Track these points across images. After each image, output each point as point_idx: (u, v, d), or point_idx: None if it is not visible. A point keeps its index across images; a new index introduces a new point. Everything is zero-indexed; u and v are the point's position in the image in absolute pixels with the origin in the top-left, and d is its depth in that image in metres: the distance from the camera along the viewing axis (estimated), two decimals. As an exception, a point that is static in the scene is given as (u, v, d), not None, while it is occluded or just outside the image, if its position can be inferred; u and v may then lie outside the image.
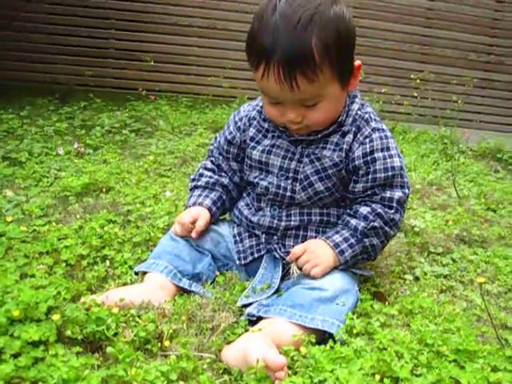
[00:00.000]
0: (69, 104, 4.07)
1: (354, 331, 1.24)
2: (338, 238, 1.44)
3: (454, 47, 6.59)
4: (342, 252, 1.42)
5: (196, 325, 1.25)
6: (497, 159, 4.15)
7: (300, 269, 1.41)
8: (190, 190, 1.67)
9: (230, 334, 1.24)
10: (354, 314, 1.32)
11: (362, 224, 1.43)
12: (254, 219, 1.55)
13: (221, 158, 1.66)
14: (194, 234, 1.52)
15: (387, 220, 1.44)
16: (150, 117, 3.88)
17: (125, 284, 1.45)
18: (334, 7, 1.31)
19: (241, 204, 1.63)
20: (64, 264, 1.47)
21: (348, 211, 1.50)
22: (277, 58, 1.26)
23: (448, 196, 2.81)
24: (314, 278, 1.37)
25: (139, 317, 1.23)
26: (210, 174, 1.66)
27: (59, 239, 1.64)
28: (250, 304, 1.34)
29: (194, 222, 1.52)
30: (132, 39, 5.60)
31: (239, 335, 1.22)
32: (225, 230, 1.63)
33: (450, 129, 4.50)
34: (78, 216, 1.87)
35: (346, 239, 1.44)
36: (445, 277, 1.79)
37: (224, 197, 1.64)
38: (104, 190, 2.20)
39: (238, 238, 1.60)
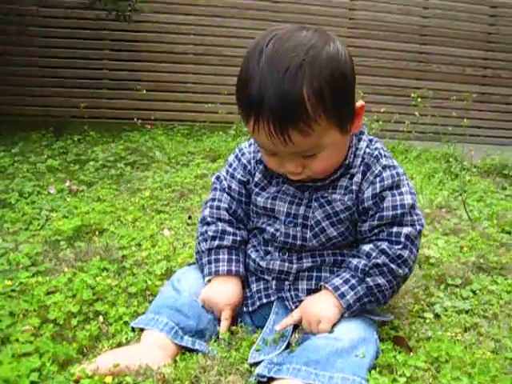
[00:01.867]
0: (63, 138, 3.99)
1: (378, 390, 1.10)
2: (337, 281, 1.30)
3: (449, 63, 6.55)
4: (342, 295, 1.28)
5: (201, 392, 1.12)
6: (503, 175, 4.04)
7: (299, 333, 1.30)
8: (210, 249, 1.44)
9: (239, 400, 1.10)
10: (375, 367, 1.18)
11: (363, 262, 1.30)
12: (263, 263, 1.41)
13: (235, 203, 1.47)
14: (224, 330, 1.34)
15: (393, 257, 1.29)
16: (145, 148, 3.79)
17: (120, 343, 1.31)
18: (326, 48, 1.17)
19: (247, 246, 1.49)
20: (52, 324, 1.33)
21: (352, 252, 1.38)
22: (266, 113, 1.13)
23: (459, 219, 2.70)
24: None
25: (136, 385, 1.09)
26: (232, 229, 1.45)
27: (47, 293, 1.49)
28: (260, 362, 1.21)
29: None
30: (126, 68, 5.56)
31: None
32: None
33: (453, 145, 4.40)
34: (68, 264, 1.74)
35: (346, 281, 1.30)
36: (467, 312, 1.66)
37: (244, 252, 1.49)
38: (97, 232, 2.07)
39: (244, 284, 1.46)
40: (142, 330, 1.32)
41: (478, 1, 6.55)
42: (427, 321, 1.57)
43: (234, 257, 1.43)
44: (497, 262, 2.04)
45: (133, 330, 1.35)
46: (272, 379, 1.13)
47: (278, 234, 1.37)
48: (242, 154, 1.48)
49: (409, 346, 1.37)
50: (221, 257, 1.42)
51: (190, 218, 2.34)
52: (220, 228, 1.45)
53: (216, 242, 1.43)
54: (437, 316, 1.61)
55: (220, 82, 5.75)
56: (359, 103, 1.28)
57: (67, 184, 2.69)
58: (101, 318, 1.41)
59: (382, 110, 5.20)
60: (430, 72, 6.47)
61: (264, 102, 1.12)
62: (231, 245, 1.44)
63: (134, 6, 4.90)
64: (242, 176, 1.46)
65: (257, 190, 1.42)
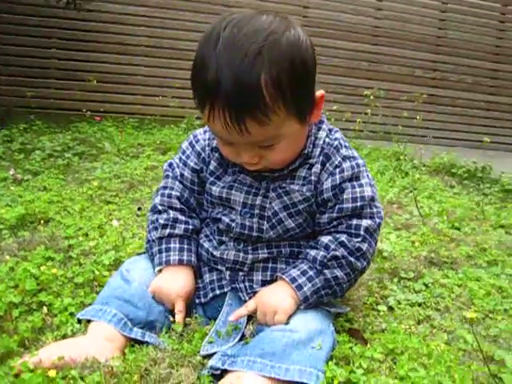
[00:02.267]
0: (7, 127, 3.79)
1: (335, 382, 1.07)
2: (295, 272, 1.27)
3: (400, 64, 6.66)
4: (299, 287, 1.24)
5: (151, 385, 1.06)
6: (451, 174, 4.13)
7: (253, 325, 1.25)
8: (161, 238, 1.38)
9: (191, 394, 1.05)
10: (332, 359, 1.16)
11: (322, 253, 1.27)
12: (217, 253, 1.36)
13: (187, 191, 1.42)
14: (180, 320, 1.30)
15: (352, 249, 1.26)
16: (94, 139, 3.67)
17: (65, 336, 1.23)
18: (287, 34, 1.11)
19: (199, 236, 1.44)
20: (-10, 315, 1.25)
21: (310, 243, 1.34)
22: (221, 101, 1.07)
23: (410, 214, 2.73)
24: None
25: (82, 379, 1.02)
26: (183, 218, 1.40)
27: (-14, 284, 1.40)
28: (213, 354, 1.16)
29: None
30: (75, 59, 5.38)
31: (202, 396, 1.04)
32: None
33: (404, 145, 4.46)
34: (11, 253, 1.64)
35: (303, 272, 1.26)
36: (419, 305, 1.67)
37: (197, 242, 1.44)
38: (42, 221, 1.96)
39: (197, 273, 1.40)
40: (88, 321, 1.24)
41: (429, 5, 6.69)
42: (381, 313, 1.56)
43: (185, 246, 1.37)
44: (447, 257, 2.07)
45: (79, 321, 1.28)
46: (226, 372, 1.09)
47: (233, 224, 1.32)
48: (197, 141, 1.42)
49: (364, 338, 1.35)
50: (172, 246, 1.37)
51: (139, 209, 2.27)
52: (171, 216, 1.39)
53: (167, 231, 1.38)
54: (390, 309, 1.61)
55: (171, 76, 5.65)
56: (319, 92, 1.23)
57: (11, 172, 2.55)
58: (45, 309, 1.32)
59: (334, 108, 5.24)
60: (382, 72, 6.57)
61: (220, 90, 1.06)
62: (183, 233, 1.38)
63: (84, -7, 4.76)
64: (195, 164, 1.40)
65: (212, 178, 1.36)
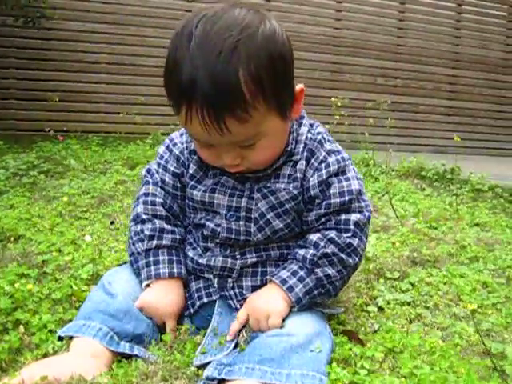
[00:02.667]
0: (-33, 148, 3.67)
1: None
2: (284, 274, 1.21)
3: (362, 73, 6.74)
4: (291, 288, 1.18)
5: (144, 401, 0.98)
6: (421, 177, 4.16)
7: (247, 333, 1.19)
8: (148, 250, 1.30)
9: (188, 407, 0.98)
10: (333, 361, 1.10)
11: (311, 252, 1.21)
12: (203, 261, 1.28)
13: (169, 198, 1.35)
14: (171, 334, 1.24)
15: (342, 246, 1.22)
16: (59, 157, 3.56)
17: (46, 355, 1.14)
18: (262, 28, 1.06)
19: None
20: (-37, 337, 1.15)
21: (298, 242, 1.29)
22: (199, 100, 1.02)
23: (386, 217, 2.72)
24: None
25: (69, 399, 0.95)
26: (170, 227, 1.33)
27: (-44, 304, 1.30)
28: (208, 364, 1.09)
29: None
30: (34, 78, 5.26)
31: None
32: None
33: (372, 151, 4.48)
34: (-20, 273, 1.54)
35: (294, 273, 1.20)
36: (409, 304, 1.64)
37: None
38: (12, 238, 1.86)
39: (186, 285, 1.33)
40: (71, 338, 1.16)
41: (387, 14, 6.82)
42: (371, 314, 1.53)
43: (174, 257, 1.30)
44: (429, 255, 2.06)
45: (60, 339, 1.19)
46: (223, 382, 1.03)
47: (219, 229, 1.26)
48: (174, 145, 1.35)
49: (360, 338, 1.31)
50: (160, 258, 1.29)
51: (112, 222, 2.19)
52: (157, 226, 1.31)
53: (154, 242, 1.30)
54: (380, 309, 1.57)
55: (134, 92, 5.59)
56: (299, 87, 1.19)
57: (-26, 191, 2.44)
58: (21, 328, 1.23)
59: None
60: (344, 82, 6.64)
61: (196, 89, 1.01)
62: (171, 244, 1.31)
63: (43, 12, 4.66)
64: (175, 168, 1.33)
65: (192, 182, 1.29)
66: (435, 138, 7.07)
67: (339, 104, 4.42)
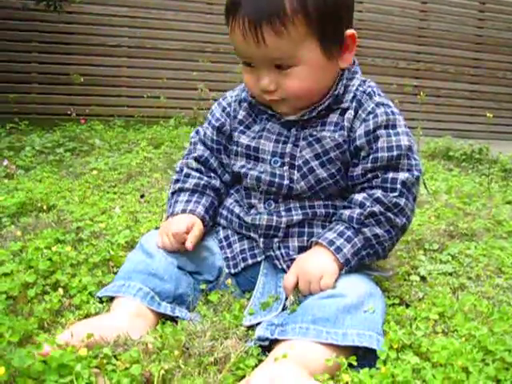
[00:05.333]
0: (-9, 129, 3.66)
1: (395, 345, 0.98)
2: (331, 235, 1.16)
3: (384, 56, 6.64)
4: (339, 249, 1.13)
5: (194, 360, 0.94)
6: (448, 158, 4.08)
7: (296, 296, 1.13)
8: (173, 193, 1.35)
9: (240, 367, 0.93)
10: (386, 322, 1.06)
11: (358, 211, 1.16)
12: (248, 219, 1.25)
13: (208, 152, 1.37)
14: (189, 244, 1.20)
15: (389, 205, 1.16)
16: (84, 137, 3.54)
17: (87, 315, 1.12)
18: None
19: (229, 201, 1.34)
20: (4, 296, 1.12)
21: (343, 203, 1.24)
22: (243, 8, 1.10)
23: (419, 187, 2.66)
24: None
25: (116, 357, 0.91)
26: (198, 174, 1.36)
27: (-6, 266, 1.27)
28: (258, 324, 1.06)
29: (187, 232, 1.23)
30: (56, 62, 5.24)
31: (253, 368, 0.93)
32: (209, 240, 1.32)
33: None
34: (16, 239, 1.51)
35: (340, 233, 1.15)
36: (450, 274, 1.59)
37: (216, 203, 1.35)
38: (44, 208, 1.83)
39: (225, 243, 1.31)
40: (111, 299, 1.14)
41: (410, -4, 6.69)
42: (414, 283, 1.48)
43: (194, 199, 1.32)
44: (467, 229, 2.01)
45: (100, 301, 1.17)
46: (275, 342, 0.99)
47: (263, 175, 1.23)
48: (224, 98, 1.40)
49: (408, 304, 1.26)
50: (179, 199, 1.32)
51: (142, 196, 2.16)
52: (184, 172, 1.37)
53: (178, 185, 1.35)
54: (423, 278, 1.53)
55: (155, 76, 5.55)
56: (349, 31, 1.17)
57: (5, 163, 2.42)
58: (61, 290, 1.20)
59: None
60: (366, 65, 6.53)
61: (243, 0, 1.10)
62: (193, 188, 1.33)
63: (64, -5, 4.62)
64: (216, 120, 1.37)
65: (241, 127, 1.31)
66: (458, 123, 6.94)
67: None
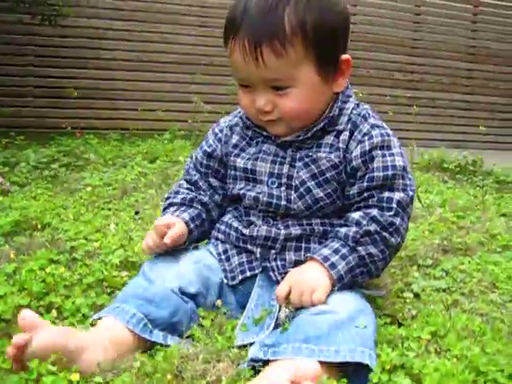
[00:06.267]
0: (-13, 144, 3.66)
1: (386, 366, 0.98)
2: (326, 251, 1.17)
3: (378, 68, 6.68)
4: (333, 266, 1.14)
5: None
6: (442, 169, 4.09)
7: (288, 307, 1.13)
8: (164, 209, 1.41)
9: (232, 389, 0.94)
10: (378, 343, 1.06)
11: (354, 229, 1.18)
12: (246, 231, 1.29)
13: (198, 175, 1.42)
14: (167, 240, 1.22)
15: (385, 224, 1.18)
16: (79, 151, 3.54)
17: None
18: None
19: (227, 217, 1.37)
20: (-3, 320, 1.12)
21: (339, 221, 1.26)
22: (243, 29, 1.14)
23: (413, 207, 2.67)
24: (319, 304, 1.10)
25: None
26: (186, 191, 1.41)
27: (-12, 289, 1.27)
28: (251, 344, 1.06)
29: (168, 227, 1.26)
30: (52, 75, 5.26)
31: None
32: (207, 257, 1.34)
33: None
34: (9, 260, 1.51)
35: (336, 250, 1.16)
36: (444, 290, 1.59)
37: (203, 215, 1.38)
38: (39, 227, 1.84)
39: (223, 256, 1.32)
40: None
41: (403, 8, 6.75)
42: (407, 300, 1.49)
43: (181, 209, 1.37)
44: (461, 244, 2.01)
45: (92, 325, 1.16)
46: (267, 362, 0.99)
47: (260, 196, 1.26)
48: (217, 124, 1.46)
49: (400, 322, 1.27)
50: (168, 211, 1.38)
51: (137, 213, 2.16)
52: (174, 190, 1.44)
53: (168, 202, 1.42)
54: (416, 295, 1.53)
55: (151, 89, 5.57)
56: (345, 56, 1.21)
57: (0, 180, 2.42)
58: (54, 313, 1.20)
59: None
60: (360, 76, 6.56)
61: (244, 20, 1.14)
62: (180, 201, 1.39)
63: (59, 10, 4.64)
64: (208, 146, 1.42)
65: (236, 151, 1.34)
66: (452, 133, 6.98)
67: (360, 96, 4.35)
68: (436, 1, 6.88)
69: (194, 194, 1.40)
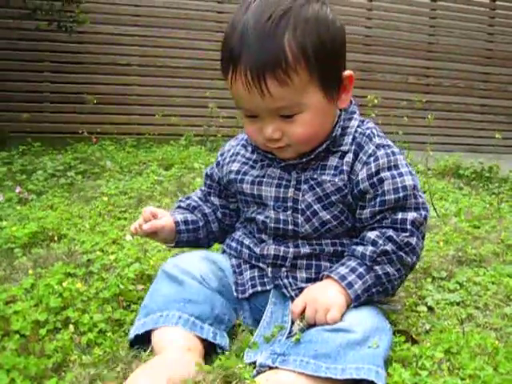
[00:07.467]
0: (5, 150, 3.72)
1: (399, 385, 0.99)
2: (343, 270, 1.18)
3: (393, 72, 6.65)
4: (350, 285, 1.15)
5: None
6: (458, 176, 4.07)
7: (302, 322, 1.15)
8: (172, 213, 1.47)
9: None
10: (392, 362, 1.07)
11: (371, 248, 1.18)
12: (257, 250, 1.29)
13: (207, 190, 1.49)
14: (146, 226, 1.30)
15: (401, 244, 1.18)
16: (95, 158, 3.58)
17: (100, 357, 1.12)
18: (312, 5, 1.14)
19: (238, 234, 1.38)
20: (17, 336, 1.14)
21: (354, 240, 1.26)
22: (244, 59, 1.10)
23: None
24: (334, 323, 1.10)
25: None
26: (196, 198, 1.48)
27: (7, 303, 1.30)
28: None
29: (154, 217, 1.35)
30: (68, 81, 5.31)
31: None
32: (223, 261, 1.36)
33: (407, 151, 4.40)
34: (26, 272, 1.54)
35: (353, 269, 1.17)
36: (458, 304, 1.59)
37: (200, 224, 1.42)
38: (55, 238, 1.87)
39: (236, 269, 1.33)
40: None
41: (418, 12, 6.71)
42: (421, 314, 1.49)
43: (182, 211, 1.44)
44: (475, 255, 2.00)
45: (132, 346, 1.17)
46: (273, 368, 1.02)
47: (268, 220, 1.26)
48: (222, 148, 1.49)
49: (414, 338, 1.27)
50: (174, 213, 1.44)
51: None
52: (187, 195, 1.53)
53: (176, 204, 1.50)
54: (430, 309, 1.54)
55: (166, 94, 5.60)
56: (347, 72, 1.20)
57: (17, 190, 2.46)
58: (71, 328, 1.22)
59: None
60: (375, 81, 6.55)
61: (244, 49, 1.10)
62: (185, 206, 1.46)
63: (75, 17, 4.70)
64: (210, 168, 1.49)
65: (239, 177, 1.33)
66: (468, 137, 6.92)
67: (375, 101, 4.33)
68: (452, 4, 6.83)
69: (199, 203, 1.45)
